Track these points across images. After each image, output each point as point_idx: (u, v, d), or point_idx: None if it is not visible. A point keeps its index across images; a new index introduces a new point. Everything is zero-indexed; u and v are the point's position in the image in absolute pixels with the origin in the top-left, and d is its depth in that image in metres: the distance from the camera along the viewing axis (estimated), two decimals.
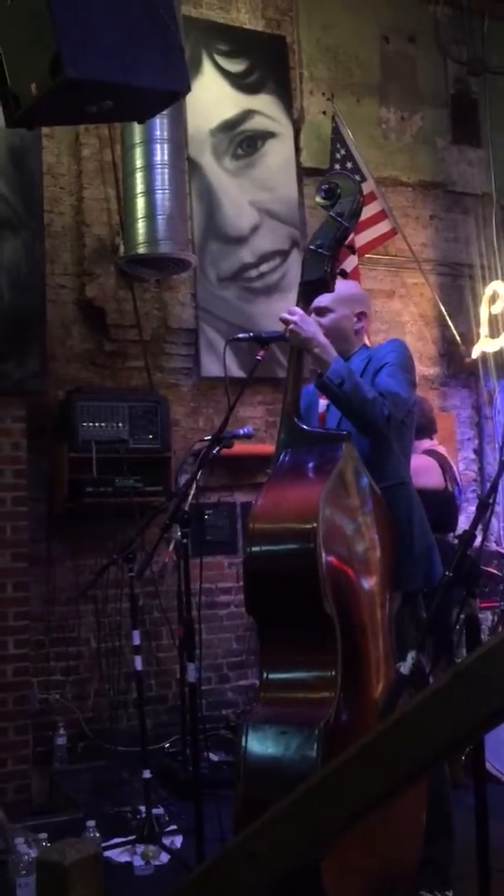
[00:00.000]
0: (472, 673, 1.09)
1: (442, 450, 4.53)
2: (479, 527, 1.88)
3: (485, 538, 3.38)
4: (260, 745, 2.06)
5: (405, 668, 1.64)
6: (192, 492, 3.10)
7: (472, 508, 6.24)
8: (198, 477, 3.03)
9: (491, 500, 1.90)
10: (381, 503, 2.37)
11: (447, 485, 4.29)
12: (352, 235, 2.65)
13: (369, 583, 2.29)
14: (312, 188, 6.05)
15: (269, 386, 5.61)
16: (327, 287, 2.46)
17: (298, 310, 2.44)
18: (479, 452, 6.41)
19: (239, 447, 3.59)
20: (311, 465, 2.27)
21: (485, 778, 2.26)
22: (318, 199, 2.53)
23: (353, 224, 2.49)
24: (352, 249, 2.51)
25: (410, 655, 1.66)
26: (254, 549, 2.14)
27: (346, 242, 2.48)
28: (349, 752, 1.33)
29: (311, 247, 2.46)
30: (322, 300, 2.59)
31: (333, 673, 2.05)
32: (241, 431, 3.38)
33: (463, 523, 5.94)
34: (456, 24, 6.63)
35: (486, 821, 2.44)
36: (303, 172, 6.01)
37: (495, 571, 4.90)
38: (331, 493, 2.16)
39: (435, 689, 1.26)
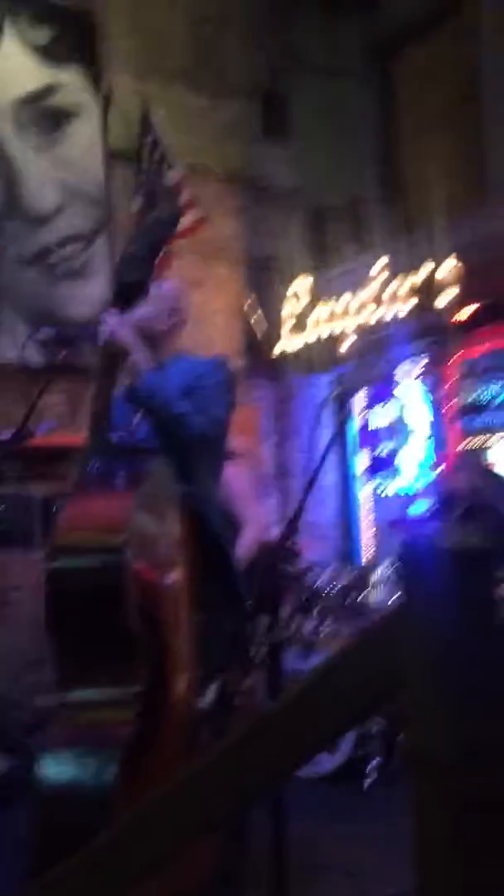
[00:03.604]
0: (260, 732, 1.11)
1: None
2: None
3: (300, 554, 3.43)
4: (56, 770, 1.96)
5: (204, 702, 1.60)
6: None
7: (272, 501, 6.38)
8: None
9: (297, 520, 1.87)
10: (187, 519, 2.31)
11: None
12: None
13: (176, 591, 2.23)
14: (120, 170, 5.88)
15: (71, 373, 5.40)
16: (144, 292, 2.37)
17: (116, 314, 2.34)
18: (279, 446, 6.53)
19: (39, 438, 3.43)
20: (120, 477, 2.17)
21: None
22: (134, 204, 2.43)
23: (171, 229, 2.42)
24: (168, 255, 2.44)
25: (211, 689, 1.61)
26: (56, 564, 2.01)
27: (164, 248, 2.40)
28: (144, 807, 1.28)
29: (130, 250, 2.37)
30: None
31: (135, 690, 1.97)
32: (43, 428, 3.21)
33: (261, 515, 6.04)
34: (268, 16, 6.65)
35: (283, 820, 2.47)
36: (110, 154, 5.82)
37: (290, 568, 4.98)
38: (140, 508, 2.07)
39: (230, 743, 1.23)
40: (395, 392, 5.92)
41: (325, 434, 6.52)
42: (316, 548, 5.97)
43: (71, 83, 5.62)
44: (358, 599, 4.33)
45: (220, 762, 1.22)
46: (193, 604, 2.25)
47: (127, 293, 2.34)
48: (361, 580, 4.39)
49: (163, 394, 2.32)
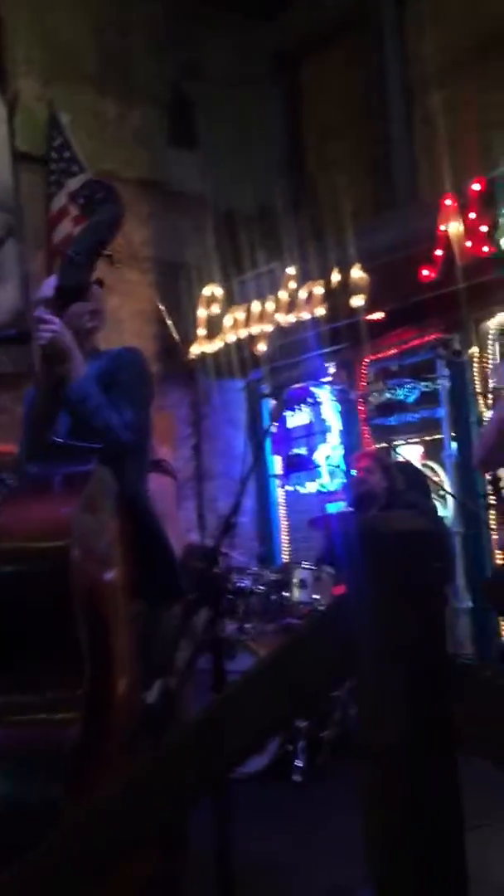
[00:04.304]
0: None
1: None
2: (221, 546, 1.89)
3: (227, 555, 3.44)
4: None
5: (151, 697, 1.60)
6: None
7: (190, 505, 6.39)
8: None
9: (233, 520, 1.90)
10: (124, 516, 2.30)
11: None
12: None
13: (118, 591, 2.21)
14: (29, 174, 5.80)
15: None
16: (83, 296, 2.35)
17: (56, 318, 2.31)
18: (196, 449, 6.54)
19: None
20: (61, 478, 2.14)
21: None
22: (75, 206, 2.42)
23: (113, 233, 2.41)
24: (110, 259, 2.42)
25: (157, 684, 1.62)
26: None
27: (105, 251, 2.39)
28: (87, 810, 1.27)
29: (69, 253, 2.35)
30: (49, 292, 2.48)
31: (79, 692, 1.94)
32: None
33: (181, 519, 6.04)
34: (173, 26, 6.67)
35: (228, 822, 2.47)
36: (18, 157, 5.74)
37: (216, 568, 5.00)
38: (83, 508, 2.05)
39: (185, 731, 1.24)
40: (310, 394, 6.02)
41: (245, 438, 6.60)
42: (234, 549, 6.01)
43: None
44: (281, 599, 4.38)
45: (175, 752, 1.22)
46: (132, 601, 2.24)
47: (66, 296, 2.32)
48: (283, 580, 4.44)
49: (95, 399, 2.30)
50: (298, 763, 3.90)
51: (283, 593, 4.42)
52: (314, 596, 4.36)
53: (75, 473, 2.18)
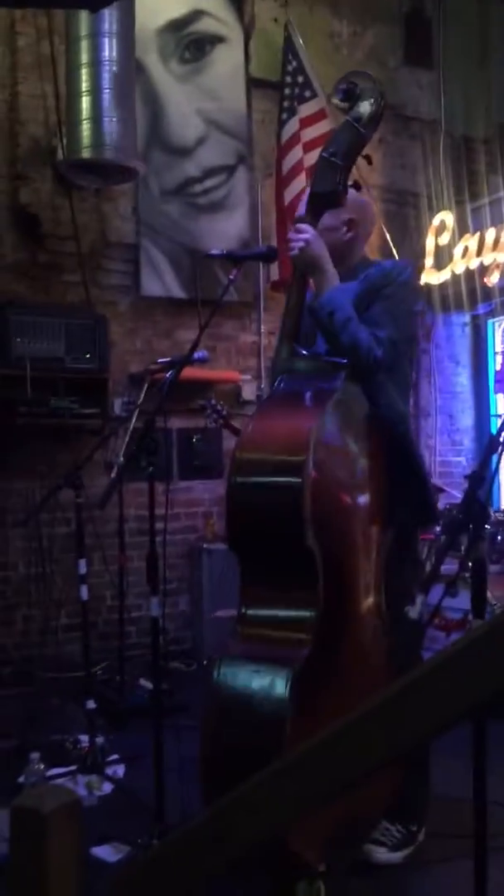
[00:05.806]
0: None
1: None
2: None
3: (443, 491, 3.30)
4: (232, 680, 1.98)
5: (414, 612, 1.57)
6: (147, 419, 2.92)
7: None
8: (163, 402, 2.84)
9: (502, 439, 1.79)
10: (379, 438, 2.25)
11: None
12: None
13: (364, 511, 2.19)
14: (261, 100, 5.77)
15: (209, 308, 5.40)
16: (339, 201, 2.26)
17: (309, 227, 2.23)
18: (415, 386, 6.39)
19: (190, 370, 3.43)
20: (307, 394, 2.13)
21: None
22: (334, 100, 2.33)
23: (371, 131, 2.30)
24: (368, 159, 2.31)
25: (419, 599, 1.59)
26: (237, 478, 2.01)
27: (364, 152, 2.30)
28: (333, 728, 1.24)
29: (324, 154, 2.26)
30: (302, 208, 2.40)
31: (313, 613, 1.96)
32: (197, 356, 3.20)
33: None
34: None
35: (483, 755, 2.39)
36: (252, 83, 5.71)
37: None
38: (326, 425, 2.03)
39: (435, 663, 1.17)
40: None
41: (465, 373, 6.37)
42: (452, 490, 5.84)
43: (214, 10, 5.51)
44: None
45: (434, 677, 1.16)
46: (386, 522, 2.21)
47: (320, 202, 2.25)
48: None
49: (344, 313, 2.22)
50: None
51: None
52: None
53: (320, 389, 2.15)
